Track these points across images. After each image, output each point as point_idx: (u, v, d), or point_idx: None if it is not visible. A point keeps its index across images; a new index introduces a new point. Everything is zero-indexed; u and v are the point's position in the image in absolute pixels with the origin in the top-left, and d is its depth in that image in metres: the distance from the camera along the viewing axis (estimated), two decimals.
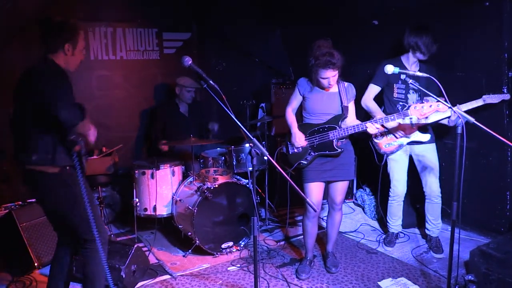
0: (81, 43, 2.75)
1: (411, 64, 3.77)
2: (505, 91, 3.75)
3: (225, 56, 5.91)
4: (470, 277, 3.28)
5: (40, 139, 2.52)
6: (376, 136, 3.87)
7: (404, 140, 3.83)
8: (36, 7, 4.43)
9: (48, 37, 2.67)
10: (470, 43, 3.72)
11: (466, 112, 3.40)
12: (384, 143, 3.89)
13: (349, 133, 3.32)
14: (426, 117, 3.15)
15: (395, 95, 3.84)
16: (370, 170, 5.08)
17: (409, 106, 3.21)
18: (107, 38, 5.00)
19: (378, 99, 3.93)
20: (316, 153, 3.42)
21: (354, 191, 5.30)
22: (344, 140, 3.45)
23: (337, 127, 3.35)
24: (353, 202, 5.30)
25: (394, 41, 4.59)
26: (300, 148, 3.45)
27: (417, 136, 3.79)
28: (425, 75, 3.05)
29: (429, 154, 3.84)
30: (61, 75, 2.58)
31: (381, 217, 4.74)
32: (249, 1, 5.81)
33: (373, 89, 3.89)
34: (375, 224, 4.71)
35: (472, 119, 2.68)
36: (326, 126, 3.39)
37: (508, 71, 3.72)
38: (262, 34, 6.10)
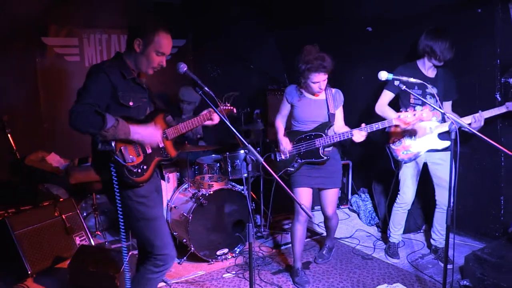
0: (159, 43, 2.46)
1: (428, 68, 3.67)
2: (497, 97, 3.79)
3: (220, 63, 5.93)
4: (465, 282, 3.30)
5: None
6: (394, 141, 3.78)
7: (423, 149, 3.69)
8: (31, 13, 4.45)
9: (127, 35, 2.55)
10: (463, 49, 3.76)
11: (487, 119, 3.48)
12: (402, 150, 3.76)
13: (335, 141, 3.34)
14: (412, 124, 3.19)
15: (412, 100, 3.73)
16: (366, 176, 5.12)
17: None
18: (102, 45, 5.02)
19: (395, 106, 3.83)
20: (302, 160, 3.48)
21: (349, 197, 5.31)
22: (330, 148, 3.50)
23: (323, 135, 3.39)
24: (348, 208, 5.31)
25: (388, 48, 4.65)
26: (288, 155, 3.49)
27: (435, 143, 3.64)
28: (418, 81, 3.08)
29: (445, 162, 3.67)
30: (96, 72, 2.36)
31: (377, 223, 4.77)
32: (243, 8, 5.84)
33: (386, 95, 3.78)
34: (371, 230, 4.71)
35: (466, 125, 2.71)
36: (313, 133, 3.44)
37: (500, 77, 3.76)
38: (257, 41, 6.13)
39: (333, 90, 3.51)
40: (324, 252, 4.01)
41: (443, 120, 3.66)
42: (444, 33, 3.54)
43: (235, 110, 3.06)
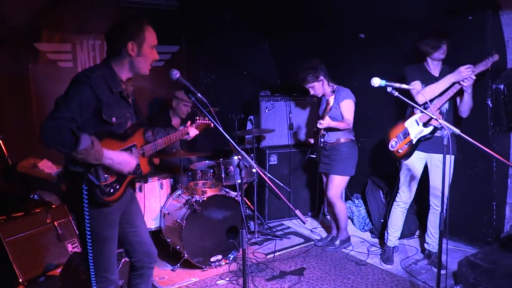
0: (150, 37, 2.43)
1: (433, 68, 3.74)
2: (489, 103, 3.83)
3: (214, 69, 5.94)
4: (458, 287, 3.31)
5: None
6: (391, 145, 3.86)
7: (413, 136, 3.74)
8: (23, 18, 4.44)
9: (109, 42, 2.44)
10: (455, 55, 3.79)
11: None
12: (398, 148, 3.83)
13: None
14: None
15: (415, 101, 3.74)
16: (359, 182, 5.13)
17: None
18: (95, 51, 5.01)
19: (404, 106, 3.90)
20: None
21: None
22: (333, 140, 4.21)
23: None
24: None
25: (382, 54, 4.68)
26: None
27: (422, 131, 3.69)
28: (410, 87, 3.10)
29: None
30: (83, 83, 2.23)
31: (371, 229, 4.78)
32: (237, 14, 5.87)
33: (416, 85, 3.73)
34: (364, 235, 4.73)
35: (457, 131, 2.73)
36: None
37: (491, 83, 3.80)
38: (250, 47, 6.16)
39: (340, 88, 4.19)
40: (339, 244, 4.37)
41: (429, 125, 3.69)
42: (429, 33, 3.64)
43: (212, 125, 3.08)
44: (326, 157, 4.27)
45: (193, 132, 3.01)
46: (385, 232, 4.17)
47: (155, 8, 5.31)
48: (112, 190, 2.37)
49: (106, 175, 2.32)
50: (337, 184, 4.23)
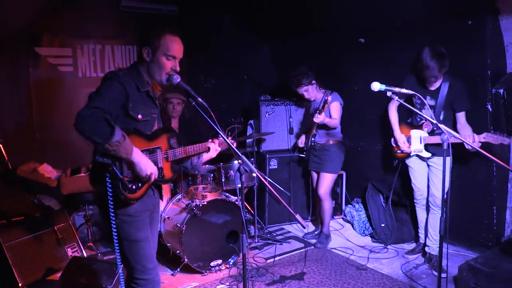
0: (166, 46, 2.46)
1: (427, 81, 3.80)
2: (489, 108, 3.84)
3: (214, 73, 5.96)
4: None
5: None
6: (393, 141, 4.09)
7: (413, 152, 3.98)
8: (24, 23, 4.45)
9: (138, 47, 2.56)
10: (455, 60, 3.81)
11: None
12: (397, 149, 4.07)
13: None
14: None
15: (415, 107, 3.88)
16: (359, 186, 5.14)
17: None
18: (96, 55, 5.02)
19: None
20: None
21: (343, 207, 5.32)
22: (323, 140, 4.53)
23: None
24: (342, 218, 5.32)
25: (381, 58, 4.70)
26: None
27: (423, 152, 3.92)
28: (410, 92, 3.11)
29: (439, 167, 3.79)
30: (112, 79, 2.35)
31: (371, 233, 4.78)
32: (237, 18, 5.89)
33: (393, 102, 4.05)
34: (365, 240, 4.73)
35: (457, 136, 2.75)
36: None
37: (491, 88, 3.81)
38: (251, 51, 6.18)
39: (329, 92, 4.40)
40: (323, 238, 4.61)
41: (432, 133, 3.82)
42: (433, 58, 3.59)
43: (235, 144, 3.08)
44: (316, 156, 4.61)
45: (214, 149, 2.90)
46: (426, 239, 4.10)
47: (155, 13, 5.33)
48: (134, 187, 2.40)
49: (129, 171, 2.35)
50: (328, 182, 4.55)
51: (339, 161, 4.58)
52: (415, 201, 4.21)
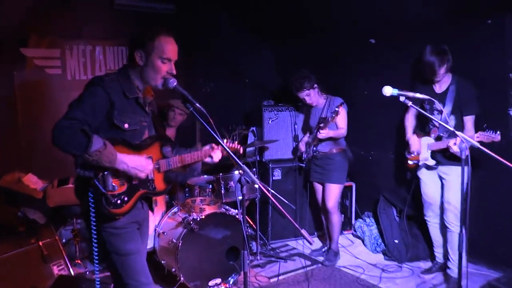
0: (161, 48, 2.45)
1: (437, 83, 3.81)
2: (510, 113, 3.80)
3: (213, 77, 5.95)
4: None
5: None
6: (410, 152, 4.06)
7: (421, 161, 3.99)
8: (11, 23, 4.45)
9: (128, 48, 2.55)
10: (474, 62, 3.79)
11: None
12: (410, 159, 4.06)
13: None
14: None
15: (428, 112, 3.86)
16: (371, 199, 5.10)
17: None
18: (86, 57, 5.02)
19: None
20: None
21: (353, 221, 5.28)
22: (326, 149, 4.48)
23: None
24: (352, 233, 5.28)
25: (394, 60, 4.68)
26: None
27: (429, 160, 3.92)
28: (425, 97, 3.10)
29: (452, 176, 3.81)
30: (95, 85, 2.34)
31: (384, 250, 4.73)
32: (237, 18, 5.89)
33: (410, 109, 4.07)
34: (377, 257, 4.68)
35: (477, 144, 2.71)
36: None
37: None
38: (252, 54, 6.17)
39: (333, 97, 4.43)
40: (331, 255, 4.56)
41: (439, 139, 3.81)
42: (433, 54, 3.64)
43: (241, 150, 3.05)
44: (319, 166, 4.55)
45: (217, 155, 2.87)
46: (447, 261, 4.05)
47: (151, 11, 5.34)
48: (119, 202, 2.38)
49: (114, 185, 2.34)
50: (335, 193, 4.50)
51: (344, 171, 4.54)
52: (426, 218, 4.17)
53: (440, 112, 3.74)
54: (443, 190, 3.92)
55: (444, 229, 4.00)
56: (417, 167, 4.04)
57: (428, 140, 3.90)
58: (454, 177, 3.74)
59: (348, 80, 5.16)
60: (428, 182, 4.03)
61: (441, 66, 3.62)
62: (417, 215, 4.57)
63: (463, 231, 2.78)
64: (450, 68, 3.69)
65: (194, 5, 5.56)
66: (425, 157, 3.92)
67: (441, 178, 3.94)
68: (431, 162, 3.89)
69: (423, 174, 4.05)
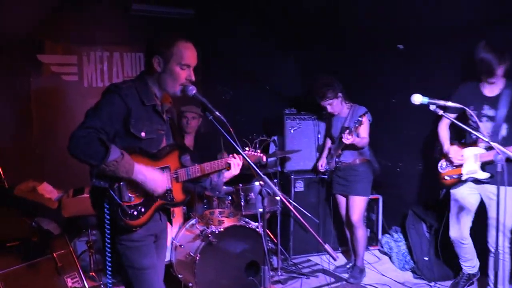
0: (179, 54, 2.48)
1: (488, 86, 3.64)
2: None
3: (233, 84, 5.99)
4: None
5: None
6: (441, 166, 3.93)
7: (465, 176, 3.74)
8: (26, 28, 4.56)
9: (145, 55, 2.61)
10: None
11: None
12: (446, 174, 3.88)
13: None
14: None
15: (469, 122, 3.69)
16: (399, 213, 5.04)
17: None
18: (103, 63, 5.10)
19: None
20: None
21: (380, 236, 5.23)
22: (349, 160, 4.47)
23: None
24: (379, 249, 5.23)
25: (423, 67, 4.64)
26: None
27: (478, 173, 3.66)
28: (458, 105, 3.06)
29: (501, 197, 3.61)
30: (112, 93, 2.39)
31: (413, 267, 4.67)
32: (258, 22, 5.92)
33: (444, 118, 3.75)
34: (405, 275, 4.62)
35: None
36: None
37: None
38: (274, 59, 6.19)
39: (357, 106, 4.44)
40: (356, 272, 4.52)
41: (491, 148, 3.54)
42: (490, 49, 3.45)
43: (264, 158, 3.06)
44: (342, 178, 4.55)
45: (236, 165, 2.87)
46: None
47: (169, 17, 5.40)
48: (135, 213, 2.41)
49: (131, 195, 2.37)
50: (359, 206, 4.48)
51: (368, 182, 4.53)
52: (457, 238, 3.96)
53: (491, 119, 3.57)
54: (489, 211, 3.69)
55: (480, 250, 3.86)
56: (457, 182, 3.81)
57: (476, 151, 3.67)
58: (507, 198, 3.35)
59: (374, 88, 5.13)
60: (466, 201, 3.81)
61: (500, 65, 3.44)
62: (449, 230, 4.49)
63: (499, 249, 2.70)
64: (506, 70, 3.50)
65: (213, 10, 5.61)
66: (473, 170, 3.67)
67: (483, 197, 3.74)
68: (483, 175, 3.63)
69: (461, 191, 3.82)
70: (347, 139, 4.13)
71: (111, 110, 2.34)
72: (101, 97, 2.41)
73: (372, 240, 5.25)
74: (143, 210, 2.44)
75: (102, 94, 2.42)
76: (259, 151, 3.06)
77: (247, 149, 3.04)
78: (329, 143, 4.80)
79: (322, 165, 4.74)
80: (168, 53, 2.47)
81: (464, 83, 3.79)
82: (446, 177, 3.87)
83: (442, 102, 3.01)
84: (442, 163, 3.92)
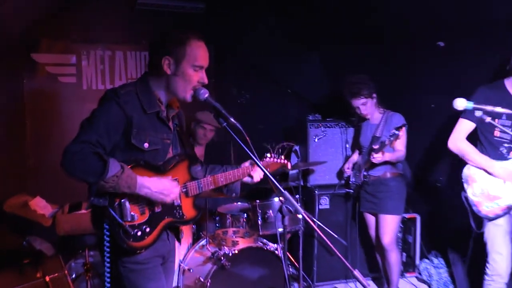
0: (193, 55, 2.48)
1: None
2: None
3: (249, 86, 6.01)
4: None
5: None
6: (473, 192, 3.65)
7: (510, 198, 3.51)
8: (20, 25, 4.62)
9: (149, 54, 2.60)
10: None
11: None
12: (485, 202, 3.58)
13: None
14: None
15: (497, 133, 3.59)
16: (440, 235, 4.99)
17: None
18: (104, 64, 5.16)
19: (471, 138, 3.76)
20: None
21: (417, 262, 5.17)
22: (380, 173, 4.42)
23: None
24: (416, 277, 5.17)
25: (467, 67, 4.60)
26: None
27: None
28: (508, 111, 3.02)
29: None
30: (109, 100, 2.38)
31: None
32: (278, 17, 5.93)
33: (464, 126, 3.70)
34: None
35: None
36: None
37: None
38: (296, 59, 6.19)
39: (391, 113, 4.40)
40: None
41: None
42: None
43: (289, 166, 3.06)
44: (370, 194, 4.52)
45: (258, 174, 2.88)
46: None
47: (178, 11, 5.43)
48: (140, 233, 2.41)
49: (134, 214, 2.38)
50: (391, 227, 4.43)
51: (401, 199, 4.48)
52: (491, 279, 3.71)
53: None
54: None
55: None
56: (502, 214, 3.56)
57: None
58: None
59: (410, 91, 5.09)
60: (506, 230, 3.63)
61: None
62: None
63: None
64: None
65: (226, 3, 5.62)
66: None
67: None
68: None
69: (504, 220, 3.62)
70: (374, 158, 4.14)
71: (108, 121, 2.34)
72: (97, 105, 2.41)
73: (409, 266, 5.20)
74: (148, 230, 2.45)
75: (99, 102, 2.43)
76: (282, 157, 3.05)
77: (268, 155, 3.03)
78: (357, 153, 4.78)
79: (349, 168, 4.72)
80: (180, 53, 2.46)
81: (485, 85, 3.67)
82: (486, 206, 3.57)
83: (489, 108, 2.98)
84: (474, 187, 3.64)
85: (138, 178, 2.32)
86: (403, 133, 4.14)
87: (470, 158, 3.67)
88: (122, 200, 2.35)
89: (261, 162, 2.86)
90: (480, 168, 3.62)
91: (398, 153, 4.28)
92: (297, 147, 5.60)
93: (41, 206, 4.59)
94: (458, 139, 3.75)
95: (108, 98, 2.39)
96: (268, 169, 2.95)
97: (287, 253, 4.70)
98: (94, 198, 2.31)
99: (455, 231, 4.72)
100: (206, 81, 2.56)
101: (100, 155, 2.23)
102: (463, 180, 3.72)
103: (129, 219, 2.36)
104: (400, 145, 4.29)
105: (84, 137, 2.27)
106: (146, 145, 2.44)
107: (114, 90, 2.43)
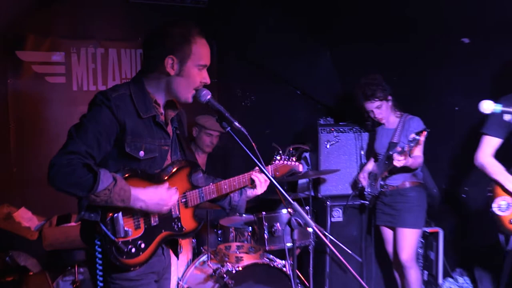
0: (198, 53, 2.47)
1: None
2: None
3: (255, 87, 6.01)
4: None
5: None
6: (500, 206, 3.66)
7: None
8: (7, 21, 4.62)
9: (145, 52, 2.56)
10: None
11: None
12: (510, 219, 3.63)
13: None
14: None
15: None
16: (465, 251, 4.96)
17: None
18: (96, 62, 5.15)
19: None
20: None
21: (440, 280, 5.14)
22: (398, 182, 4.43)
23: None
24: None
25: (496, 66, 4.57)
26: None
27: None
28: None
29: None
30: (99, 105, 2.34)
31: None
32: (286, 13, 5.92)
33: (489, 142, 3.74)
34: None
35: None
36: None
37: None
38: (306, 58, 6.18)
39: (408, 117, 4.45)
40: None
41: None
42: None
43: (300, 168, 3.04)
44: (387, 205, 4.53)
45: (261, 182, 2.84)
46: None
47: (178, 5, 5.45)
48: (134, 250, 2.39)
49: (127, 229, 2.36)
50: (410, 241, 4.42)
51: (421, 211, 4.46)
52: None
53: None
54: None
55: None
56: None
57: None
58: None
59: (431, 93, 5.07)
60: None
61: None
62: None
63: None
64: None
65: None
66: None
67: None
68: None
69: None
70: (399, 160, 4.04)
71: (98, 129, 2.31)
72: (87, 110, 2.38)
73: (430, 285, 5.17)
74: (143, 245, 2.43)
75: (88, 106, 2.39)
76: (294, 158, 3.03)
77: (278, 158, 3.01)
78: (372, 161, 4.75)
79: (364, 177, 4.71)
80: (186, 52, 2.44)
81: (505, 96, 3.62)
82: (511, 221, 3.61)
83: None
84: (500, 202, 3.66)
85: (132, 191, 2.30)
86: (423, 139, 4.08)
87: (490, 172, 3.73)
88: (115, 215, 2.32)
89: (270, 166, 2.86)
90: (499, 183, 3.64)
91: (417, 160, 4.24)
92: (307, 154, 5.59)
93: (26, 218, 4.58)
94: (484, 156, 3.81)
95: (98, 103, 2.35)
96: (278, 173, 2.95)
97: (296, 270, 4.69)
98: (85, 213, 2.27)
99: (482, 247, 4.70)
100: (208, 81, 2.54)
101: (90, 166, 2.20)
102: (489, 193, 3.72)
103: (122, 235, 2.33)
104: (419, 151, 4.24)
105: (72, 147, 2.23)
106: (141, 153, 2.41)
107: (105, 93, 2.39)
